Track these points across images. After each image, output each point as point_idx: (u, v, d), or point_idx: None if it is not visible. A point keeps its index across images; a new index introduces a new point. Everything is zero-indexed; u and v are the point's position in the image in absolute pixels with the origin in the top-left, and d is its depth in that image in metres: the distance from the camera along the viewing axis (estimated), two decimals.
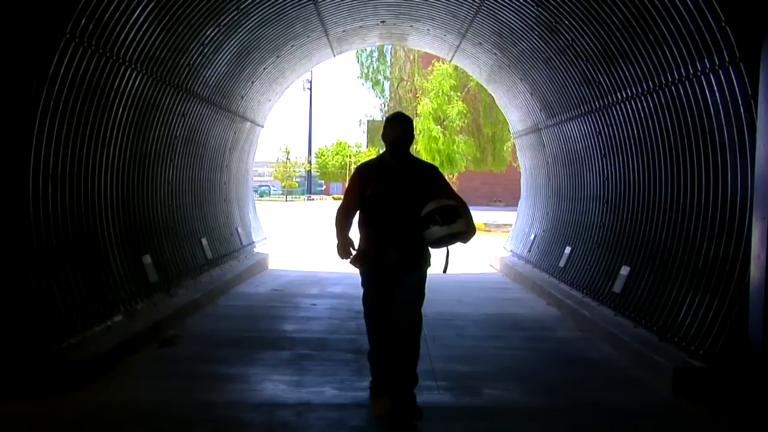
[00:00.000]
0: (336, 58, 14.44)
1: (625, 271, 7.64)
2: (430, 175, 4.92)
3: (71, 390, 5.13)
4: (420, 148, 25.28)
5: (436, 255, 4.89)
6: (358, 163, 5.17)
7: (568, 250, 10.05)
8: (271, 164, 60.96)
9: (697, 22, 5.87)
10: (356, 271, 5.02)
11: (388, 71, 31.16)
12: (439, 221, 4.57)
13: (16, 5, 5.41)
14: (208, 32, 8.68)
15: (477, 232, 4.94)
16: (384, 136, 4.94)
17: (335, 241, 4.86)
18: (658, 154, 7.23)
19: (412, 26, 12.53)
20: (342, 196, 5.23)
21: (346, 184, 5.22)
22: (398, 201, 4.74)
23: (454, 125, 25.91)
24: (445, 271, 4.87)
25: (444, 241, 4.68)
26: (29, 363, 5.21)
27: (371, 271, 4.86)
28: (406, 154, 4.91)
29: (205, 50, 8.96)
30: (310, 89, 61.71)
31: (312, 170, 62.99)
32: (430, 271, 4.94)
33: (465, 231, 4.66)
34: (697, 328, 5.80)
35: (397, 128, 4.83)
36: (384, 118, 5.06)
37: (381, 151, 5.12)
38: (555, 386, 5.67)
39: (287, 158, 58.39)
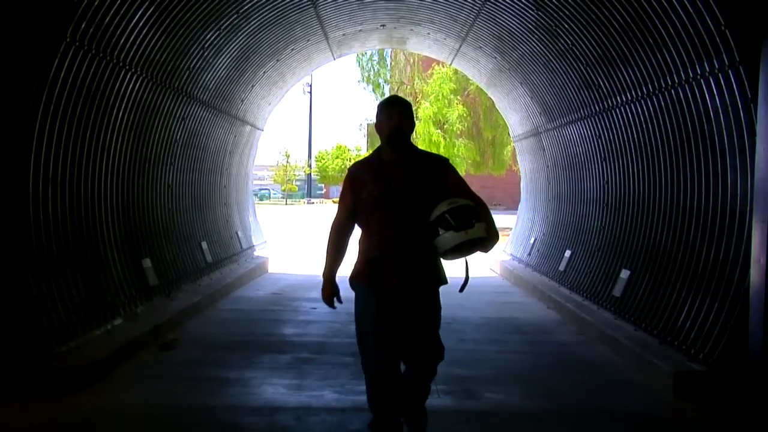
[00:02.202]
0: (336, 61, 14.43)
1: (625, 274, 7.63)
2: (439, 170, 4.03)
3: (71, 394, 5.13)
4: None
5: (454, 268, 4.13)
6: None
7: (568, 253, 10.04)
8: (271, 168, 60.92)
9: (696, 26, 5.87)
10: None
11: (388, 75, 31.16)
12: (453, 225, 3.75)
13: (16, 9, 5.41)
14: (208, 36, 8.69)
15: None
16: (378, 127, 4.05)
17: (322, 278, 4.09)
18: (658, 158, 7.23)
19: (412, 30, 12.54)
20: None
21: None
22: (401, 203, 3.90)
23: (454, 129, 25.90)
24: (462, 289, 4.08)
25: (460, 250, 3.81)
26: (29, 367, 5.20)
27: (371, 292, 3.95)
28: (407, 145, 4.03)
29: (205, 54, 8.97)
30: (310, 93, 61.73)
31: (312, 174, 62.99)
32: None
33: (486, 237, 3.82)
34: (698, 332, 5.80)
35: (393, 115, 3.96)
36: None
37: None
38: (555, 390, 5.67)
39: (287, 162, 58.38)
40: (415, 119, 4.19)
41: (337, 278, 4.09)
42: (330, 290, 4.07)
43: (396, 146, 3.98)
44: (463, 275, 4.07)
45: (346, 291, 4.05)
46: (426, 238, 3.85)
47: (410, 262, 3.91)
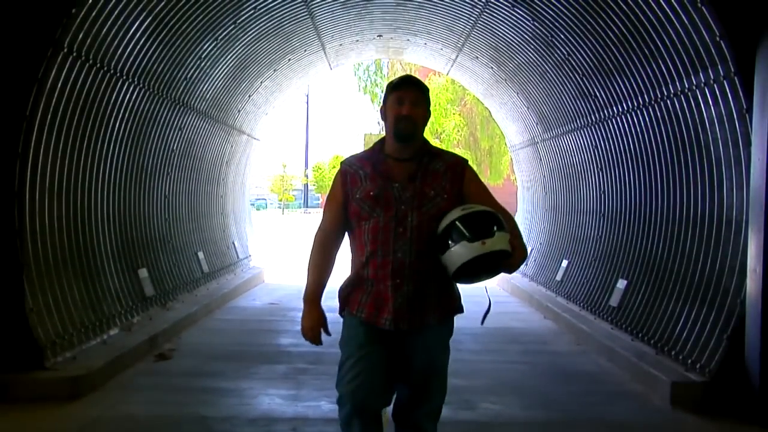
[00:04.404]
0: (333, 71, 14.47)
1: (621, 284, 7.64)
2: (457, 172, 3.14)
3: (66, 404, 5.10)
4: None
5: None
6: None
7: (565, 263, 10.05)
8: (268, 178, 61.04)
9: (692, 37, 5.90)
10: None
11: (385, 85, 31.28)
12: (466, 235, 2.86)
13: (12, 20, 5.42)
14: (206, 46, 8.71)
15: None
16: (384, 113, 3.17)
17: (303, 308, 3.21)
18: (654, 168, 7.25)
19: (408, 40, 12.58)
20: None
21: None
22: (404, 208, 3.03)
23: (451, 139, 26.00)
24: (483, 320, 3.36)
25: (476, 269, 2.89)
26: (25, 377, 5.18)
27: (362, 320, 3.13)
28: (419, 139, 3.15)
29: (202, 64, 8.98)
30: (307, 103, 61.87)
31: (309, 184, 63.11)
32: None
33: (509, 251, 2.90)
34: (695, 341, 5.80)
35: (404, 98, 3.07)
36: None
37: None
38: (552, 400, 5.65)
39: (284, 172, 58.50)
40: (431, 108, 3.28)
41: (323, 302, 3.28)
42: (315, 318, 3.17)
43: (403, 138, 3.10)
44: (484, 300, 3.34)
45: (334, 318, 3.26)
46: (434, 254, 2.98)
47: (412, 287, 3.04)
